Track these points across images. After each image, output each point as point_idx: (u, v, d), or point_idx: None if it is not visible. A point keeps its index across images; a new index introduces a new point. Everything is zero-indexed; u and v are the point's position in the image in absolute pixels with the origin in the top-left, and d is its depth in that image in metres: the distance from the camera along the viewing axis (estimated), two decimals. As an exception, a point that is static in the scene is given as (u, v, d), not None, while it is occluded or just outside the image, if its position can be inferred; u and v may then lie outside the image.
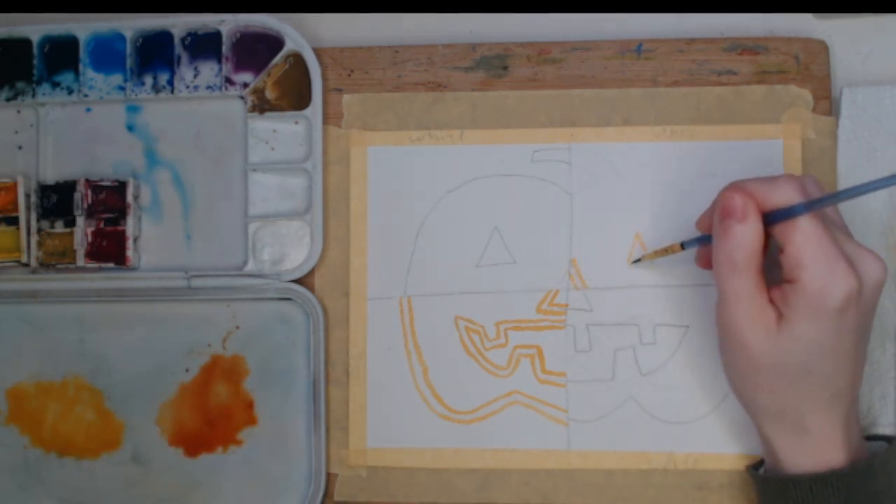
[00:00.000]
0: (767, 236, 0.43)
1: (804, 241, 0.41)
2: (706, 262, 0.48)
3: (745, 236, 0.42)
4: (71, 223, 0.55)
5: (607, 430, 0.52)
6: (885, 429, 0.50)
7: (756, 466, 0.49)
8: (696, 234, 0.49)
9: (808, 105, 0.52)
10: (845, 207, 0.51)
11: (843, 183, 0.51)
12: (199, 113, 0.55)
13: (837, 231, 0.43)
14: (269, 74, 0.54)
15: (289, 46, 0.54)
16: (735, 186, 0.43)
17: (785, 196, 0.42)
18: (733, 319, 0.43)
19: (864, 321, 0.44)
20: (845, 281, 0.41)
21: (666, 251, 0.50)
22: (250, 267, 0.54)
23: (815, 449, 0.44)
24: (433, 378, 0.53)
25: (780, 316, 0.43)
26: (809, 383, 0.43)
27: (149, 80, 0.55)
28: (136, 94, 0.55)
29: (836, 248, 0.42)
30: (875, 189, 0.39)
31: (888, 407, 0.50)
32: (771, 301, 0.43)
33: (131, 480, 0.54)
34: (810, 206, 0.42)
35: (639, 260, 0.52)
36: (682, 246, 0.49)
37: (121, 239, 0.54)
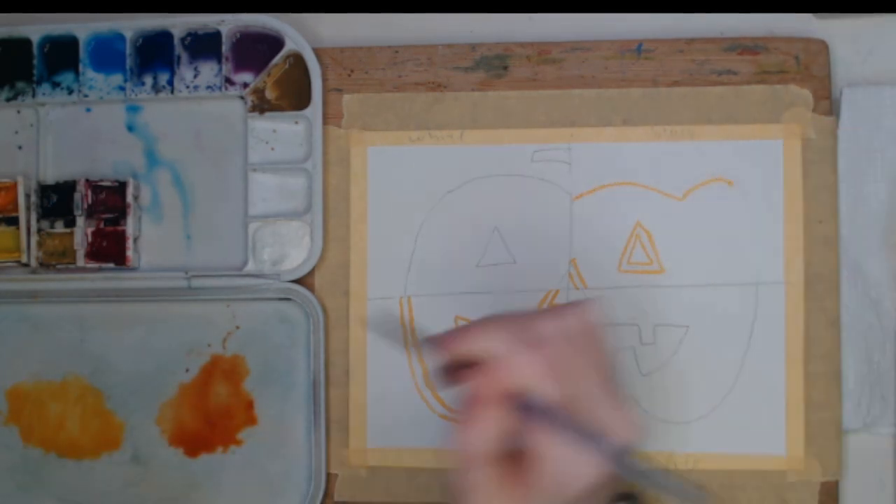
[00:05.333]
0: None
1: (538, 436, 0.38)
2: None
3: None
4: (71, 223, 0.55)
5: (607, 430, 0.52)
6: (884, 429, 0.50)
7: None
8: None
9: (808, 105, 0.52)
10: (845, 208, 0.51)
11: (844, 183, 0.51)
12: (199, 113, 0.55)
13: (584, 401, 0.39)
14: (269, 74, 0.54)
15: (289, 46, 0.54)
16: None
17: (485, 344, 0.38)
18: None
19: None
20: (586, 471, 0.37)
21: None
22: (250, 267, 0.54)
23: None
24: (433, 378, 0.53)
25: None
26: None
27: (149, 80, 0.55)
28: (136, 94, 0.55)
29: (575, 436, 0.37)
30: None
31: (888, 408, 0.50)
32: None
33: (131, 480, 0.54)
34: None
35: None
36: None
37: (121, 239, 0.54)
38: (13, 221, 0.55)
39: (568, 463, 0.38)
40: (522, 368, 0.38)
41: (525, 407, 0.38)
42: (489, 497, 0.39)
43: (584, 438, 0.37)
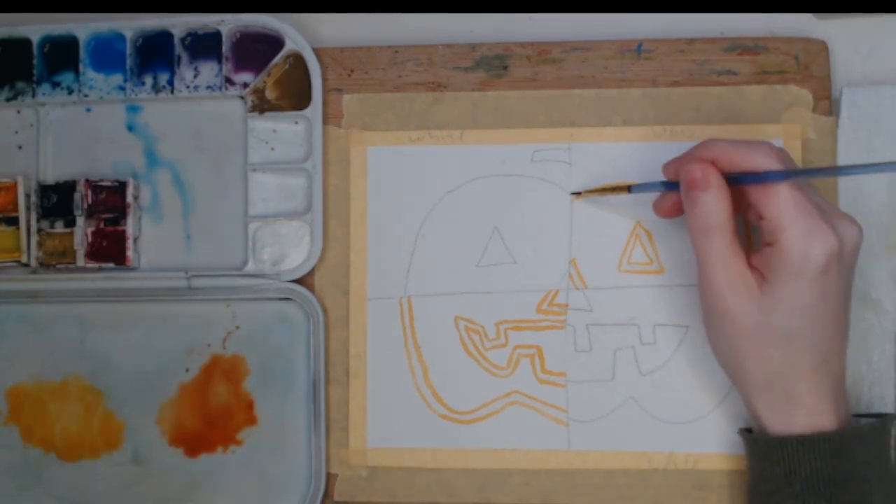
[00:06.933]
0: (739, 200, 0.45)
1: (782, 204, 0.42)
2: (663, 209, 0.49)
3: (711, 204, 0.44)
4: (71, 223, 0.55)
5: (607, 430, 0.52)
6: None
7: (749, 429, 0.49)
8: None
9: (808, 105, 0.52)
10: (845, 208, 0.51)
11: (844, 183, 0.51)
12: (199, 113, 0.55)
13: (814, 194, 0.44)
14: (269, 74, 0.54)
15: (289, 46, 0.54)
16: (695, 156, 0.45)
17: (762, 161, 0.43)
18: (714, 286, 0.44)
19: (845, 284, 0.44)
20: (825, 241, 0.42)
21: (612, 190, 0.51)
22: (250, 267, 0.54)
23: (804, 417, 0.44)
24: (433, 378, 0.53)
25: (762, 280, 0.44)
26: (795, 348, 0.43)
27: (149, 80, 0.55)
28: (136, 94, 0.55)
29: (815, 210, 0.42)
30: (857, 173, 0.41)
31: (888, 408, 0.50)
32: (752, 266, 0.44)
33: (131, 480, 0.54)
34: (788, 175, 0.43)
35: (578, 193, 0.52)
36: (630, 189, 0.50)
37: (121, 239, 0.54)
38: (13, 221, 0.55)
39: (807, 235, 0.42)
40: (757, 149, 0.44)
41: (756, 178, 0.43)
42: (727, 267, 0.44)
43: (819, 213, 0.42)
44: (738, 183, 0.44)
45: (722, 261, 0.44)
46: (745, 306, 0.44)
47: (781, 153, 0.44)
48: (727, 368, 0.47)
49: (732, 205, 0.44)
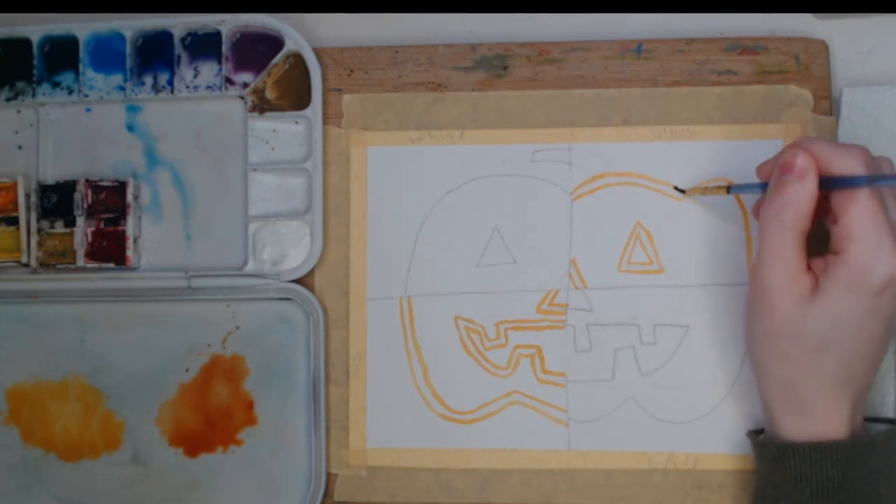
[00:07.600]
0: (821, 202, 0.43)
1: (859, 214, 0.41)
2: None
3: (797, 195, 0.43)
4: (71, 223, 0.55)
5: (607, 430, 0.52)
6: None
7: (757, 432, 0.49)
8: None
9: (808, 105, 0.52)
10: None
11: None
12: (199, 113, 0.55)
13: None
14: (269, 74, 0.54)
15: (289, 46, 0.54)
16: (800, 145, 0.43)
17: (851, 165, 0.42)
18: (768, 278, 0.43)
19: None
20: (890, 262, 0.41)
21: (713, 190, 0.50)
22: (250, 267, 0.54)
23: (817, 424, 0.44)
24: (433, 378, 0.53)
25: (815, 286, 0.43)
26: (826, 360, 0.43)
27: (149, 80, 0.55)
28: (136, 94, 0.55)
29: (889, 228, 0.41)
30: None
31: (888, 408, 0.50)
32: (811, 270, 0.43)
33: (131, 480, 0.54)
34: (872, 180, 0.42)
35: (683, 191, 0.51)
36: (728, 190, 0.49)
37: (121, 239, 0.54)
38: (13, 221, 0.55)
39: (874, 250, 0.41)
40: (851, 153, 0.42)
41: (840, 183, 0.42)
42: (786, 264, 0.43)
43: (893, 236, 0.41)
44: (822, 186, 0.43)
45: (783, 256, 0.43)
46: (791, 308, 0.43)
47: (876, 163, 0.43)
48: (753, 360, 0.47)
49: (816, 208, 0.43)
